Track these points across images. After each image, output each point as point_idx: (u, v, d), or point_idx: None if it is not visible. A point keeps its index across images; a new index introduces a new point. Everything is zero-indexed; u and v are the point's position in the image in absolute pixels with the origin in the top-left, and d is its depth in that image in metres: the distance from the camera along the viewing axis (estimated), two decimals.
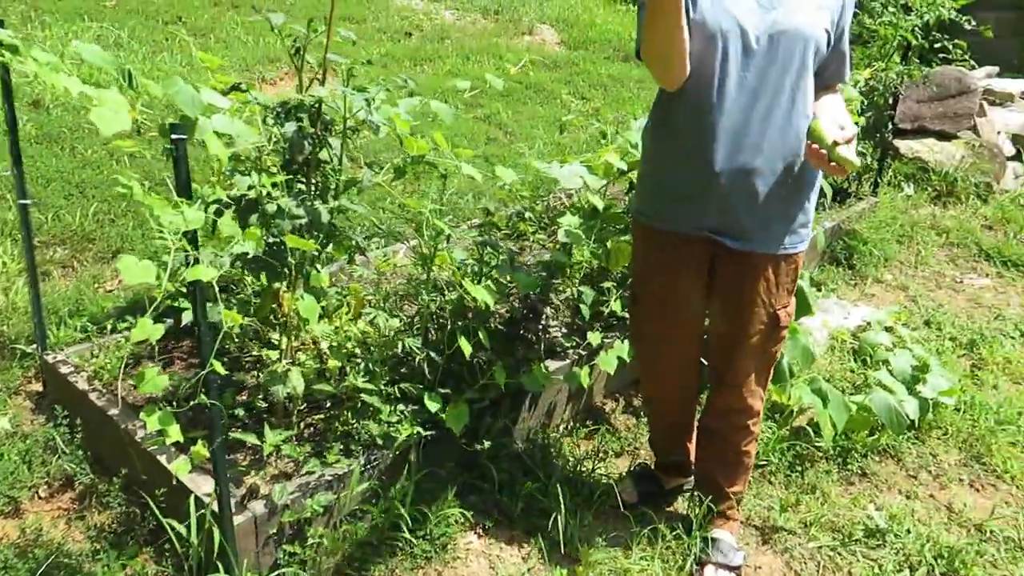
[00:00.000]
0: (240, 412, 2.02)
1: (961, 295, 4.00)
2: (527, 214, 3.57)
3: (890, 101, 4.11)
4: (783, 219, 1.82)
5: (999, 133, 5.66)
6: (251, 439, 1.86)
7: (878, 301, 3.82)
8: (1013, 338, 3.56)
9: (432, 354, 2.08)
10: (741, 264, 1.86)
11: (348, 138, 2.02)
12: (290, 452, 1.89)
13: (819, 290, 3.78)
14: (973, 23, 3.96)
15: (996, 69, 6.93)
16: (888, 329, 3.33)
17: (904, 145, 5.26)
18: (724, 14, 1.68)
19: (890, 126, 4.26)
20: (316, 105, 1.90)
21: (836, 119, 1.74)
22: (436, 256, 2.15)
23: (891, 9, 3.88)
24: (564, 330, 2.46)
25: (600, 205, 2.33)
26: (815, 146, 1.70)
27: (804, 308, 2.84)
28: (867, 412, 2.65)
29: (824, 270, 4.03)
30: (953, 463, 2.66)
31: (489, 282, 2.20)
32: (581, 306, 2.41)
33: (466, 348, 1.98)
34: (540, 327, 2.37)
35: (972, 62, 4.77)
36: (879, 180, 4.47)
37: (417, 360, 2.08)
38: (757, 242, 1.82)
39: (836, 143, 1.66)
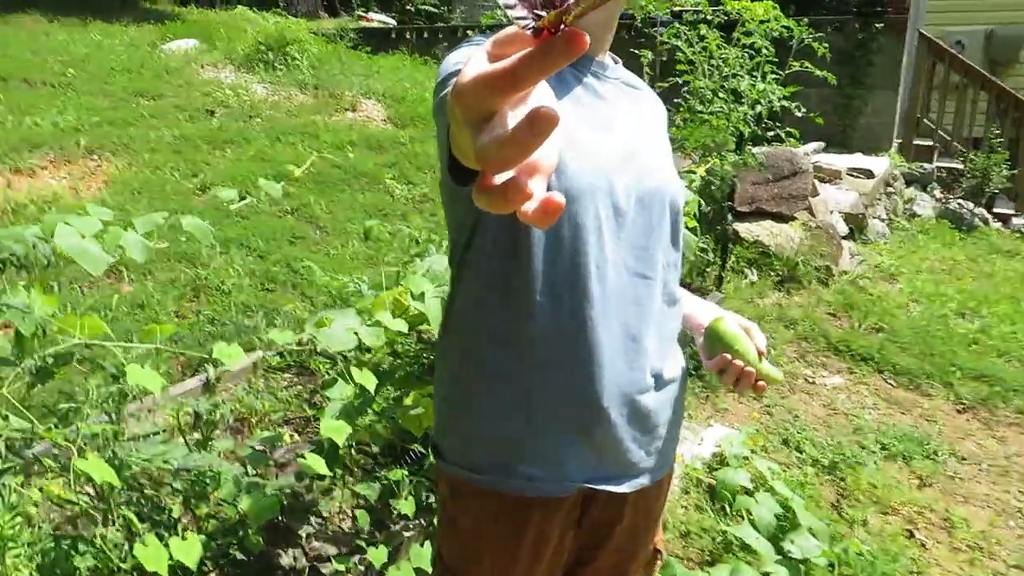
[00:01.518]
0: None
1: (816, 399, 3.69)
2: (319, 346, 2.93)
3: (728, 192, 3.83)
4: (672, 431, 1.23)
5: (832, 212, 5.62)
6: None
7: (732, 417, 3.43)
8: (874, 452, 3.24)
9: None
10: (622, 506, 1.20)
11: None
12: None
13: None
14: (803, 110, 3.76)
15: (822, 144, 7.05)
16: (745, 460, 2.91)
17: (744, 228, 5.05)
18: (589, 166, 1.04)
19: (730, 217, 3.97)
20: None
21: (737, 321, 1.24)
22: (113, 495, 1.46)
23: (721, 96, 3.60)
24: (338, 543, 1.80)
25: (371, 384, 1.71)
26: (737, 362, 1.19)
27: None
28: None
29: None
30: None
31: (209, 508, 1.53)
32: (358, 513, 1.77)
33: None
34: (299, 550, 1.70)
35: (800, 140, 4.63)
36: (723, 274, 4.17)
37: None
38: (645, 473, 1.19)
39: (762, 354, 1.20)
